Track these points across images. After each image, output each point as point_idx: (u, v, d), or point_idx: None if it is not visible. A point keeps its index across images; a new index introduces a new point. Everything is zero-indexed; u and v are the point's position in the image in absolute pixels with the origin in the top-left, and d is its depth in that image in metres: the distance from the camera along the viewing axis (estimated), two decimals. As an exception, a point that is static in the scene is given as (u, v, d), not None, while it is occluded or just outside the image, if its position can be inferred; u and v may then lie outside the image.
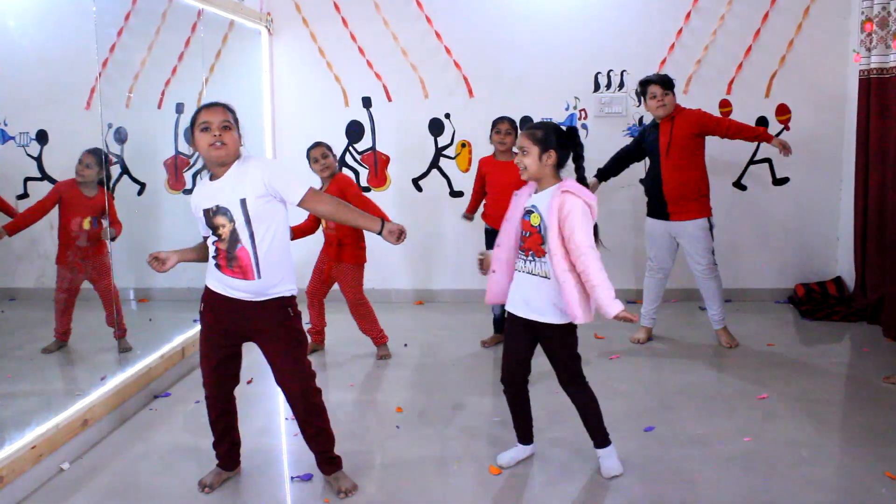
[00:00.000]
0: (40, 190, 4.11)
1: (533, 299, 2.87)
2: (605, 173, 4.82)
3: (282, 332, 2.80)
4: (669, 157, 4.39)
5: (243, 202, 2.67)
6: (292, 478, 3.06)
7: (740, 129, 4.44)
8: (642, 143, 4.63)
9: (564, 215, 2.75)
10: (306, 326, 4.76)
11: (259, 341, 2.84)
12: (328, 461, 2.97)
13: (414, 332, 5.06)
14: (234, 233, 2.69)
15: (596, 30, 5.51)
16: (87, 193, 4.05)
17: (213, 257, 2.77)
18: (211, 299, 2.83)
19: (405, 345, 4.78)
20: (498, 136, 4.47)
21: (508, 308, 2.98)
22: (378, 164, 5.80)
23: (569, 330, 2.90)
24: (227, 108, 2.74)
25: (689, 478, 2.98)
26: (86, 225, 4.08)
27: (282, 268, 2.77)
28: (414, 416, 3.66)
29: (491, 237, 4.51)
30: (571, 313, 2.79)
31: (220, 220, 2.70)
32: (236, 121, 2.76)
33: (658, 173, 4.45)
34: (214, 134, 2.67)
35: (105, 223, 4.02)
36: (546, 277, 2.83)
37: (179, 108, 4.85)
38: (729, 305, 5.37)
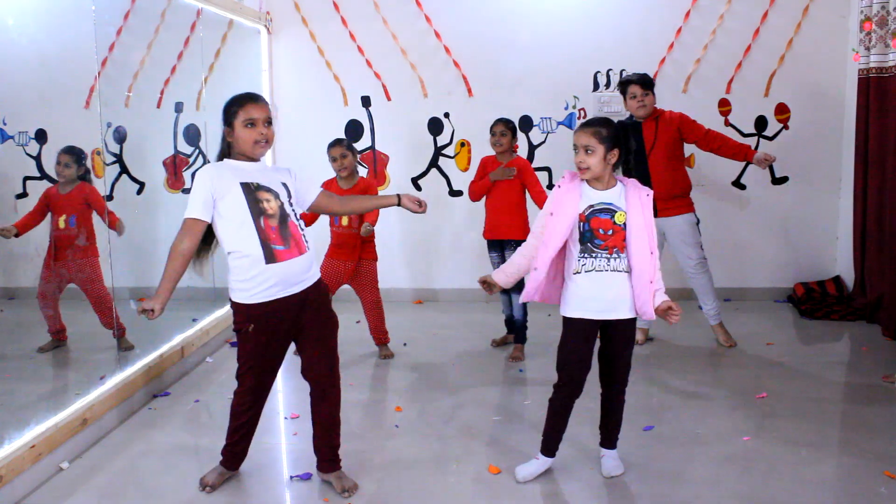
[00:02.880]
0: (39, 189, 4.10)
1: (618, 297, 2.81)
2: None
3: (323, 318, 2.87)
4: (654, 157, 4.39)
5: (285, 185, 2.78)
6: (292, 477, 3.06)
7: (722, 142, 4.45)
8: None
9: (649, 215, 2.78)
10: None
11: (304, 329, 2.83)
12: (332, 459, 2.97)
13: (414, 331, 5.06)
14: (282, 208, 2.73)
15: (595, 29, 5.51)
16: (63, 191, 4.05)
17: (262, 241, 2.67)
18: (260, 313, 2.72)
19: (405, 344, 4.78)
20: (493, 139, 4.43)
21: (581, 314, 2.84)
22: (377, 164, 5.80)
23: (635, 326, 2.92)
24: (267, 104, 2.79)
25: (688, 478, 2.98)
26: (61, 224, 4.06)
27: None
28: (414, 415, 3.66)
29: (494, 248, 4.48)
30: (648, 310, 2.80)
31: (265, 194, 2.70)
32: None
33: (645, 172, 4.40)
34: (261, 132, 2.69)
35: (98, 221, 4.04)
36: (627, 272, 2.80)
37: (179, 108, 4.85)
38: (728, 305, 5.38)
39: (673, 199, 4.42)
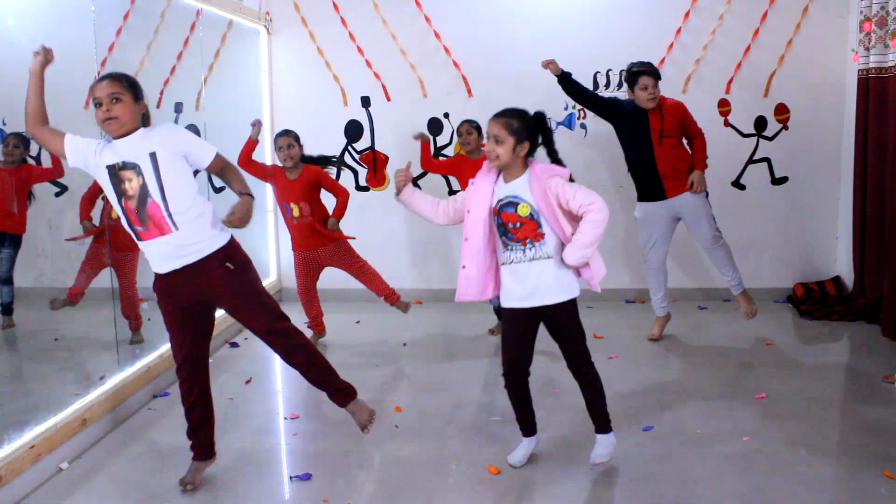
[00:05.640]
0: (40, 189, 4.11)
1: (542, 284, 2.86)
2: (574, 84, 4.57)
3: (229, 287, 2.84)
4: (663, 145, 4.43)
5: (153, 155, 2.72)
6: (291, 477, 3.06)
7: (699, 146, 4.53)
8: (618, 114, 4.53)
9: (555, 193, 2.80)
10: (304, 322, 4.77)
11: (217, 302, 2.90)
12: (337, 391, 3.01)
13: (414, 331, 5.06)
14: (143, 187, 2.71)
15: (595, 29, 5.51)
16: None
17: (127, 223, 2.76)
18: (158, 281, 2.86)
19: (404, 344, 4.78)
20: (461, 139, 4.66)
21: (511, 304, 2.93)
22: (377, 164, 5.80)
23: (575, 304, 2.95)
24: (116, 79, 2.73)
25: (688, 478, 2.98)
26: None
27: (200, 219, 2.79)
28: (413, 415, 3.66)
29: None
30: (593, 281, 2.89)
31: (127, 174, 2.71)
32: (133, 87, 2.75)
33: (651, 158, 4.44)
34: (105, 110, 2.68)
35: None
36: (549, 257, 2.85)
37: (178, 108, 4.84)
38: (728, 305, 5.38)
39: (681, 175, 4.46)
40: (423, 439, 3.39)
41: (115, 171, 2.72)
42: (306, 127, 5.34)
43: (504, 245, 2.89)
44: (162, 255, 2.79)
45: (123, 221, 2.79)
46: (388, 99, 5.72)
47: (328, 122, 5.72)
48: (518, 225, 2.84)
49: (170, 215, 2.74)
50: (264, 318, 2.92)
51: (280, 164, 4.59)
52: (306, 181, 4.50)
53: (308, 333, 4.71)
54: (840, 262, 5.56)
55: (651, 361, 4.40)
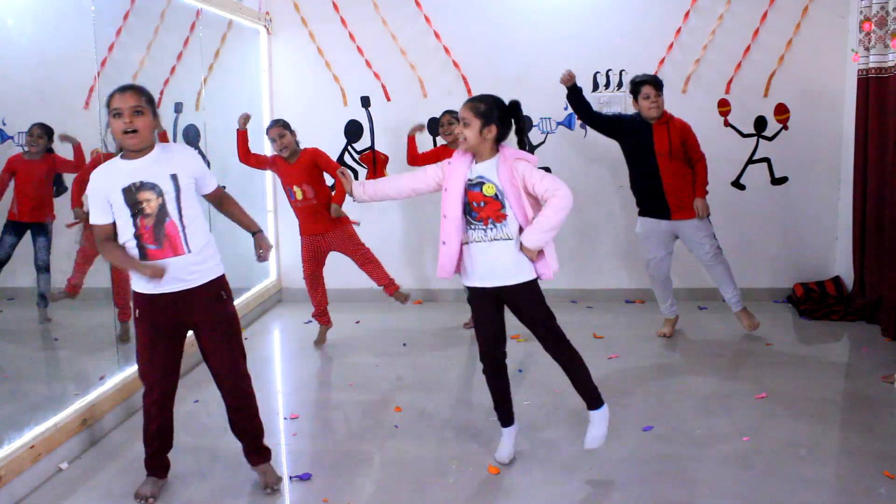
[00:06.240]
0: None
1: (500, 264, 2.93)
2: (581, 101, 4.59)
3: (215, 314, 2.83)
4: (672, 163, 4.45)
5: (174, 177, 2.72)
6: (291, 478, 3.06)
7: (699, 171, 4.51)
8: (620, 130, 4.58)
9: (521, 176, 2.85)
10: (310, 311, 4.77)
11: (195, 328, 2.86)
12: (256, 450, 2.97)
13: (413, 331, 5.06)
14: (162, 207, 2.70)
15: (594, 29, 5.51)
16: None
17: (137, 240, 2.71)
18: (144, 303, 2.79)
19: (404, 344, 4.78)
20: (442, 129, 4.77)
21: (472, 283, 3.00)
22: (377, 164, 5.80)
23: (536, 285, 2.99)
24: (139, 92, 2.70)
25: (688, 477, 2.98)
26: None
27: (208, 246, 2.82)
28: (413, 415, 3.66)
29: None
30: (545, 270, 2.93)
31: (145, 194, 2.69)
32: (151, 103, 2.73)
33: (656, 173, 4.46)
34: (126, 121, 2.65)
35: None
36: (510, 239, 2.91)
37: (178, 108, 4.84)
38: (728, 305, 5.37)
39: (686, 197, 4.48)
40: (423, 439, 3.39)
41: (130, 192, 2.69)
42: (306, 127, 5.35)
43: (468, 223, 2.95)
44: (167, 279, 2.72)
45: (130, 237, 2.72)
46: (388, 99, 5.72)
47: (328, 122, 5.72)
48: (482, 204, 2.90)
49: (185, 237, 2.73)
50: (230, 357, 2.87)
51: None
52: (305, 163, 4.53)
53: (315, 329, 4.72)
54: (840, 263, 5.56)
55: (651, 361, 4.40)
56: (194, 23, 4.85)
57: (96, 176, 2.74)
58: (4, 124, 3.94)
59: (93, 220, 2.74)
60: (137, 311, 2.82)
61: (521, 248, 2.89)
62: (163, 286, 2.72)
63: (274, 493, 2.91)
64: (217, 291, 2.84)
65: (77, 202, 4.15)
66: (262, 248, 3.01)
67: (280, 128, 4.51)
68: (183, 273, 2.74)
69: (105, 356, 3.86)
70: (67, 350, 4.25)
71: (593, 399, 3.04)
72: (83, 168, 4.08)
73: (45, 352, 4.16)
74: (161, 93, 4.66)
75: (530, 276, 2.95)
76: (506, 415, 3.14)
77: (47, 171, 4.05)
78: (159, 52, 4.67)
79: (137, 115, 2.66)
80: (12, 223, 4.01)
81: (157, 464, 2.95)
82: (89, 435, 3.36)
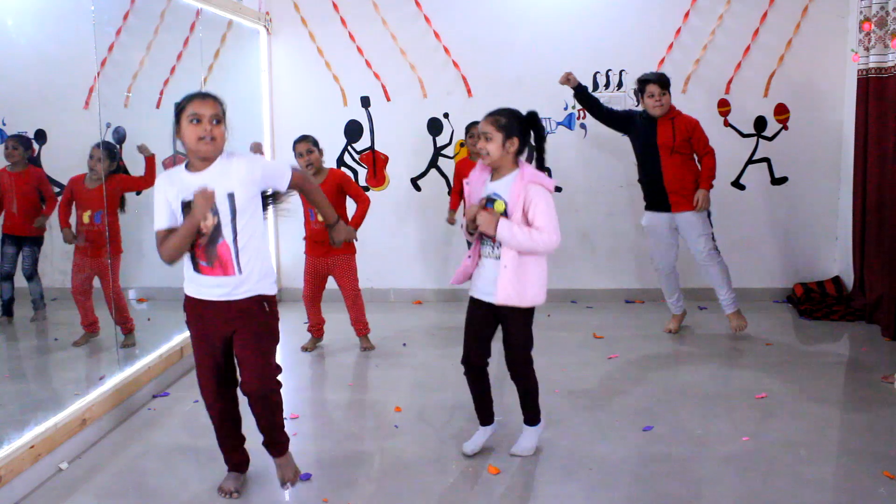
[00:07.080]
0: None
1: (490, 282, 2.94)
2: (589, 98, 4.70)
3: (255, 326, 2.77)
4: (673, 157, 4.51)
5: (231, 196, 2.66)
6: (291, 477, 3.06)
7: (706, 164, 4.54)
8: (630, 126, 4.68)
9: (529, 203, 2.85)
10: (304, 325, 4.77)
11: (233, 335, 2.80)
12: (271, 443, 2.98)
13: (413, 331, 5.06)
14: (217, 228, 2.66)
15: (595, 29, 5.51)
16: (90, 186, 4.07)
17: (191, 251, 2.69)
18: (195, 307, 2.79)
19: (404, 344, 4.78)
20: (472, 140, 4.69)
21: (473, 293, 3.05)
22: (377, 164, 5.80)
23: (528, 315, 3.00)
24: (218, 101, 2.68)
25: (688, 477, 2.98)
26: (85, 219, 4.10)
27: (262, 265, 2.77)
28: (413, 415, 3.66)
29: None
30: (525, 297, 2.91)
31: None
32: (224, 114, 2.70)
33: (658, 168, 4.55)
34: (205, 128, 2.61)
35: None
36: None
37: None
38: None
39: (687, 192, 4.54)
40: (423, 439, 3.39)
41: (190, 207, 2.64)
42: (306, 127, 5.34)
43: (481, 239, 2.98)
44: (212, 286, 2.72)
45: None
46: (388, 99, 5.72)
47: (328, 122, 5.71)
48: None
49: (237, 259, 2.69)
50: (258, 368, 2.80)
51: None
52: (331, 185, 4.39)
53: (307, 338, 4.72)
54: (840, 262, 5.56)
55: (651, 361, 4.40)
56: (194, 23, 4.85)
57: (160, 183, 2.73)
58: (4, 124, 3.94)
59: (158, 226, 2.70)
60: (187, 313, 2.82)
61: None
62: (206, 293, 2.72)
63: (290, 487, 2.94)
64: (260, 302, 2.78)
65: (65, 222, 4.15)
66: (335, 237, 3.04)
67: (309, 143, 4.40)
68: (230, 292, 2.72)
69: (105, 356, 3.86)
70: (67, 350, 4.25)
71: (534, 417, 3.15)
72: (65, 191, 4.11)
73: (46, 352, 4.16)
74: (161, 93, 4.67)
75: (526, 304, 2.94)
76: (484, 415, 3.20)
77: (32, 182, 4.05)
78: (159, 52, 4.68)
79: (217, 124, 2.63)
80: (8, 236, 4.03)
81: (236, 460, 2.98)
82: (89, 435, 3.36)
